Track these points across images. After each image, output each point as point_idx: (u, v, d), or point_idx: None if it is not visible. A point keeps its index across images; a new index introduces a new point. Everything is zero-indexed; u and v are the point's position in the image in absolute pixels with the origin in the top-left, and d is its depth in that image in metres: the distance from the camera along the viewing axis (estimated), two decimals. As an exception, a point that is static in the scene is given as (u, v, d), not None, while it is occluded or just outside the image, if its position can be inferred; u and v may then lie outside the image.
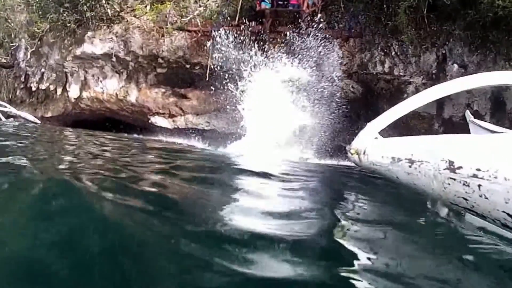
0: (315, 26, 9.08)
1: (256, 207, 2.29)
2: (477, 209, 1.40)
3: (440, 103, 8.40)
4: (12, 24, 9.97)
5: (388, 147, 2.86)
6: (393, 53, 8.96)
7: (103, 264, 1.20)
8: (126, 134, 9.51)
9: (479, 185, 1.34)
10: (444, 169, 1.58)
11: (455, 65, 8.34)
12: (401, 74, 8.91)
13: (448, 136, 2.04)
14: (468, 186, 1.40)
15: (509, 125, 7.98)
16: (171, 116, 10.12)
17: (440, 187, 1.63)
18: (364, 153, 3.30)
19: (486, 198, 1.30)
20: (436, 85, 4.24)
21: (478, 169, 1.36)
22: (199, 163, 4.82)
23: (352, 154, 3.77)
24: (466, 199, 1.44)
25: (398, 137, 3.13)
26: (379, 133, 3.32)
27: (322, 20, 9.34)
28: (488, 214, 1.34)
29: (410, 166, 2.05)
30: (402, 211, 2.68)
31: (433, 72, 8.58)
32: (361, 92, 9.53)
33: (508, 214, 1.21)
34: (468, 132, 4.91)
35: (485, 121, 7.98)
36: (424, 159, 1.88)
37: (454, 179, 1.50)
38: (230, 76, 9.74)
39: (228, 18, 9.69)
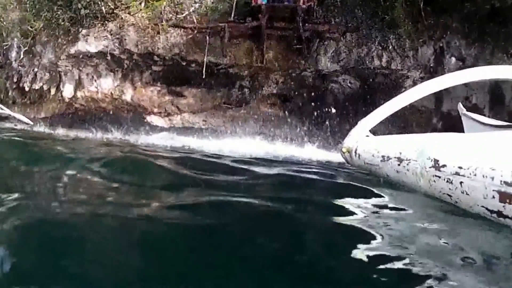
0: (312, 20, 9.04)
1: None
2: (460, 204, 1.46)
3: (438, 97, 8.34)
4: (4, 23, 9.82)
5: (378, 145, 2.92)
6: (390, 47, 8.90)
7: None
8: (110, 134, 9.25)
9: (461, 182, 1.41)
10: (430, 167, 1.67)
11: (453, 58, 8.29)
12: (398, 68, 8.86)
13: (435, 135, 2.18)
14: (451, 183, 1.47)
15: (508, 118, 7.93)
16: (168, 115, 10.01)
17: (427, 185, 1.73)
18: (355, 152, 3.41)
19: (468, 194, 1.37)
20: (423, 82, 4.28)
21: (460, 167, 1.42)
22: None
23: (344, 152, 3.78)
24: (450, 195, 1.52)
25: (389, 135, 3.19)
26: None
27: (318, 14, 9.29)
28: (469, 209, 1.41)
29: (399, 164, 2.14)
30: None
31: (431, 65, 8.53)
32: (358, 87, 9.47)
33: (486, 208, 1.28)
34: (461, 125, 4.87)
35: (484, 114, 7.96)
36: (412, 157, 1.97)
37: (439, 177, 1.58)
38: (226, 73, 9.68)
39: (224, 14, 9.58)
